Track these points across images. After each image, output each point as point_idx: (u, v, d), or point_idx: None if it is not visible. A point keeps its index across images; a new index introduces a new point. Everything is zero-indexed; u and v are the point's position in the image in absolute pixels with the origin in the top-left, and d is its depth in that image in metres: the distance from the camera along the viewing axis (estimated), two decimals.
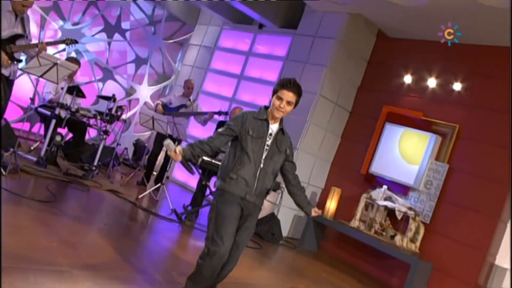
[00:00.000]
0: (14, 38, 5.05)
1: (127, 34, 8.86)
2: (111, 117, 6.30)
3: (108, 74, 8.76)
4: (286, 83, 3.10)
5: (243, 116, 3.19)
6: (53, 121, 5.93)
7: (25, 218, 3.85)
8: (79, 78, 8.46)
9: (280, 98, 3.08)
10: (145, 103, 9.14)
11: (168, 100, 7.42)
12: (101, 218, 4.84)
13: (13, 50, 5.02)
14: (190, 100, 7.38)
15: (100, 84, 8.69)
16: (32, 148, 6.49)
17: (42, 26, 7.79)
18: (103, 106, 7.50)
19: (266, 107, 3.21)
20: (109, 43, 8.68)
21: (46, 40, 5.87)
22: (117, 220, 4.93)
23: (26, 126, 7.82)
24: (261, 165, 3.09)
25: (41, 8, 7.78)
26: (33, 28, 7.36)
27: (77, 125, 6.64)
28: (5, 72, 5.01)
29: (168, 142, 2.99)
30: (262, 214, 6.81)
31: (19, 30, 5.08)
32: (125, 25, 8.81)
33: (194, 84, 7.54)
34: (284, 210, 6.92)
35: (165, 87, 9.45)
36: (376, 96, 7.32)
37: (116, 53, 8.88)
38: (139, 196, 5.98)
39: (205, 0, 8.38)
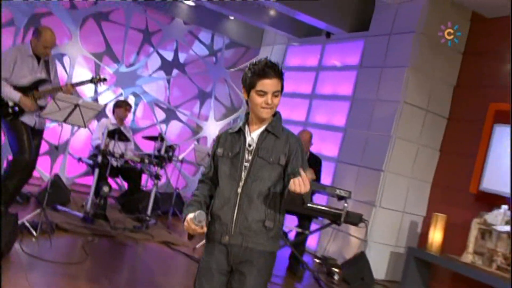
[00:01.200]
0: (37, 84, 4.72)
1: (187, 68, 8.45)
2: (161, 159, 5.74)
3: (171, 114, 8.37)
4: (264, 70, 2.23)
5: (220, 137, 2.43)
6: (97, 170, 5.50)
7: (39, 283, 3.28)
8: (141, 122, 8.15)
9: (262, 93, 2.24)
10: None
11: None
12: (135, 276, 4.16)
13: (36, 97, 4.67)
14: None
15: (164, 126, 8.31)
16: (84, 203, 6.12)
17: (96, 72, 7.62)
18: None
19: (248, 113, 2.38)
20: (168, 81, 8.32)
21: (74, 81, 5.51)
22: (160, 280, 4.20)
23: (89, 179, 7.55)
24: (239, 190, 2.28)
25: (93, 54, 7.62)
26: (84, 73, 7.20)
27: (129, 172, 6.17)
28: (29, 121, 4.66)
29: (198, 214, 2.17)
30: (348, 254, 5.74)
31: (42, 75, 4.74)
32: (183, 59, 8.42)
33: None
34: (375, 247, 5.79)
35: (235, 120, 8.84)
36: (479, 93, 6.01)
37: (177, 91, 8.49)
38: (197, 246, 5.25)
39: (266, 18, 7.73)
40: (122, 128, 6.22)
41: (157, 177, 5.76)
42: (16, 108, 4.59)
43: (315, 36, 7.76)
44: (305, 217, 5.30)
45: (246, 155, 2.31)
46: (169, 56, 8.28)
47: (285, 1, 6.67)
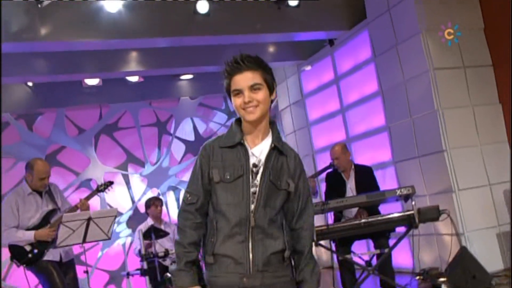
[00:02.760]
0: (47, 217, 4.59)
1: None
2: None
3: None
4: (232, 66, 1.93)
5: (206, 150, 2.00)
6: (147, 279, 5.22)
7: None
8: None
9: (237, 91, 1.92)
10: None
11: None
12: None
13: (52, 227, 4.53)
14: None
15: None
16: None
17: (127, 184, 7.58)
18: None
19: (239, 120, 2.01)
20: None
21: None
22: None
23: None
24: (252, 223, 1.91)
25: (117, 167, 7.61)
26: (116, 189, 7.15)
27: None
28: (54, 257, 4.48)
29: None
30: (449, 256, 4.98)
31: (49, 207, 4.62)
32: (205, 133, 8.26)
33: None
34: (475, 236, 5.03)
35: None
36: None
37: None
38: None
39: (268, 57, 7.51)
40: (162, 226, 5.98)
41: None
42: (35, 251, 4.44)
43: (319, 51, 7.40)
44: (379, 236, 4.68)
45: (251, 178, 1.93)
46: (190, 136, 8.16)
47: (276, 28, 6.45)
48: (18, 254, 4.47)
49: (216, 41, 6.61)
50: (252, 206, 1.92)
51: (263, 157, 1.95)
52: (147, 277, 5.25)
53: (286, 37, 6.88)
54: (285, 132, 8.40)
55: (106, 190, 4.88)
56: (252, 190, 1.93)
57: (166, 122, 8.06)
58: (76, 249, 7.03)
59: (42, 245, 4.42)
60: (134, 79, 7.39)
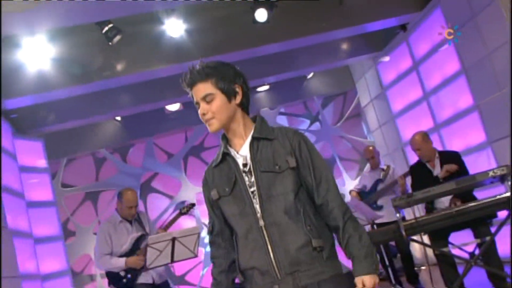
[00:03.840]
0: (137, 243, 4.75)
1: None
2: None
3: None
4: (185, 80, 1.91)
5: (205, 178, 2.01)
6: None
7: None
8: None
9: (196, 104, 1.91)
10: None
11: (361, 184, 6.06)
12: None
13: (142, 253, 4.67)
14: (382, 169, 5.85)
15: None
16: None
17: None
18: None
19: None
20: None
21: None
22: None
23: None
24: (261, 223, 1.81)
25: None
26: None
27: None
28: (146, 279, 4.62)
29: None
30: None
31: (138, 233, 4.78)
32: None
33: (374, 149, 6.04)
34: None
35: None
36: None
37: None
38: None
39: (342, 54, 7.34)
40: None
41: None
42: (129, 276, 4.61)
43: (393, 39, 7.04)
44: (478, 224, 4.27)
45: (247, 178, 1.86)
46: None
47: (343, 23, 6.27)
48: (114, 279, 4.66)
49: (284, 47, 6.54)
50: (257, 206, 1.82)
51: (248, 154, 1.87)
52: None
53: (356, 30, 6.63)
54: (370, 129, 8.09)
55: (189, 212, 4.96)
56: (251, 190, 1.84)
57: None
58: (179, 271, 7.26)
59: (134, 270, 4.58)
60: None
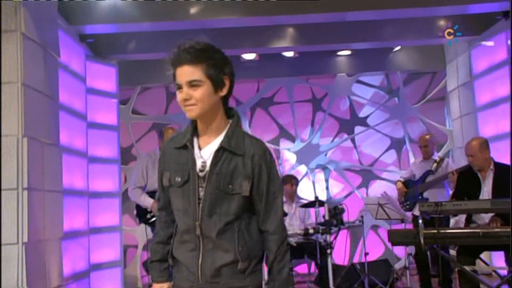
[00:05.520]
0: None
1: (369, 120, 7.82)
2: (327, 225, 5.16)
3: (367, 175, 7.70)
4: (174, 56, 1.79)
5: (163, 150, 1.98)
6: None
7: None
8: (338, 195, 7.67)
9: (179, 86, 1.79)
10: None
11: (410, 173, 5.77)
12: None
13: None
14: (435, 161, 5.51)
15: (363, 190, 7.65)
16: None
17: (278, 158, 7.70)
18: None
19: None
20: (353, 141, 7.80)
21: None
22: None
23: None
24: (197, 231, 1.81)
25: (269, 142, 7.74)
26: None
27: (306, 249, 5.69)
28: None
29: None
30: None
31: None
32: (362, 112, 7.87)
33: (430, 138, 5.68)
34: None
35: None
36: None
37: (366, 148, 7.85)
38: None
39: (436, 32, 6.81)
40: (293, 204, 5.95)
41: (328, 246, 5.15)
42: (152, 215, 4.83)
43: (492, 26, 6.35)
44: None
45: (199, 183, 1.82)
46: (345, 115, 7.86)
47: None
48: (140, 212, 4.92)
49: (376, 16, 6.25)
50: (200, 214, 1.80)
51: (209, 160, 1.79)
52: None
53: (457, 10, 6.09)
54: (452, 116, 7.54)
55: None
56: (199, 196, 1.80)
57: (321, 99, 7.87)
58: None
59: None
60: (289, 54, 7.38)
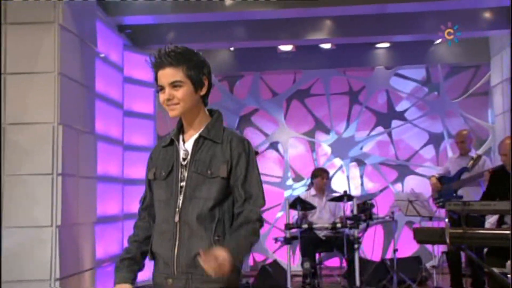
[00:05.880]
0: None
1: (407, 114, 7.68)
2: (355, 220, 5.14)
3: (403, 170, 7.57)
4: (156, 61, 1.91)
5: (152, 153, 2.09)
6: (288, 246, 5.29)
7: None
8: (373, 189, 7.59)
9: (161, 88, 1.91)
10: None
11: (446, 169, 5.65)
12: None
13: None
14: (472, 158, 5.37)
15: (398, 185, 7.54)
16: None
17: (312, 151, 7.69)
18: None
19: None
20: (389, 135, 7.68)
21: None
22: None
23: None
24: (176, 218, 1.88)
25: (305, 134, 7.73)
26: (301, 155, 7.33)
27: (334, 243, 5.67)
28: None
29: None
30: None
31: None
32: (399, 106, 7.73)
33: (467, 134, 5.54)
34: None
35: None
36: None
37: (403, 142, 7.71)
38: None
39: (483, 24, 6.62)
40: (324, 197, 5.94)
41: (356, 241, 5.12)
42: None
43: None
44: None
45: (181, 172, 1.92)
46: (382, 108, 7.74)
47: None
48: None
49: (414, 8, 6.13)
50: (180, 202, 1.87)
51: (190, 148, 1.91)
52: (288, 246, 5.31)
53: (504, 1, 5.91)
54: (495, 112, 7.29)
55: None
56: (181, 184, 1.89)
57: (359, 92, 7.78)
58: None
59: None
60: (326, 46, 7.32)
